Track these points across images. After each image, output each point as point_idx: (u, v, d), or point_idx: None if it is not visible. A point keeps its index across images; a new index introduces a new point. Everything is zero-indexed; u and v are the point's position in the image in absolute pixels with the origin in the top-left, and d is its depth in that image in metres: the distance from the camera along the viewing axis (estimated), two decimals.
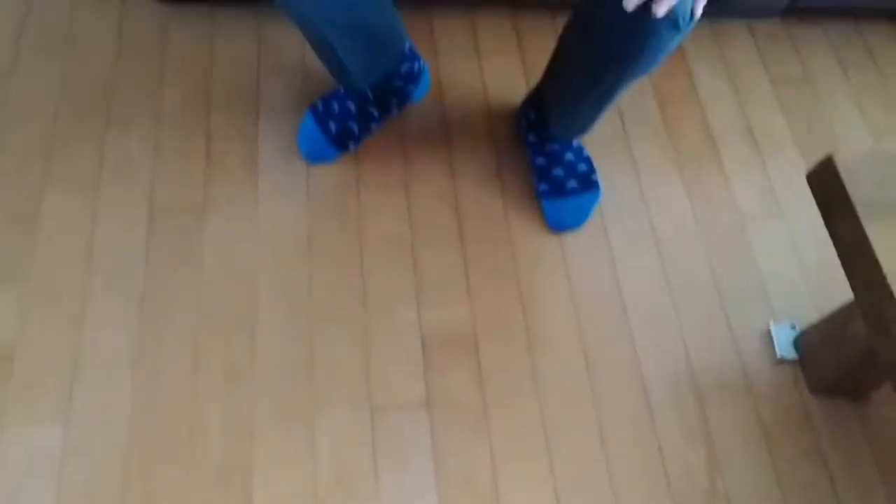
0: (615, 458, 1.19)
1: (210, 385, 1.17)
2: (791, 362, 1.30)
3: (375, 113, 1.40)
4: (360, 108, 1.38)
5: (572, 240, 1.37)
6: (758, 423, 1.24)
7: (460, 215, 1.37)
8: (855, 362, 1.18)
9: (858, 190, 0.92)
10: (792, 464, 1.22)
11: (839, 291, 1.35)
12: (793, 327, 1.31)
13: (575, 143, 1.40)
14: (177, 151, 1.37)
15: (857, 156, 0.95)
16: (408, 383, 1.21)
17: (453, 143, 1.44)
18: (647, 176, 1.46)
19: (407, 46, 1.36)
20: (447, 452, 1.17)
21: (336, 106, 1.39)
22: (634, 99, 1.54)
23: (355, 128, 1.38)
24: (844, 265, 0.94)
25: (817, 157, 1.52)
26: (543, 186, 1.38)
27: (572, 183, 1.38)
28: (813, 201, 0.99)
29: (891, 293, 0.86)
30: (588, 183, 1.39)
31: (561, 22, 1.25)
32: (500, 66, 1.54)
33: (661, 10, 0.91)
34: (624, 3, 0.91)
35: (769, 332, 1.32)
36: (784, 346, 1.30)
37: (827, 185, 0.95)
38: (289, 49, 1.50)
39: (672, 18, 0.94)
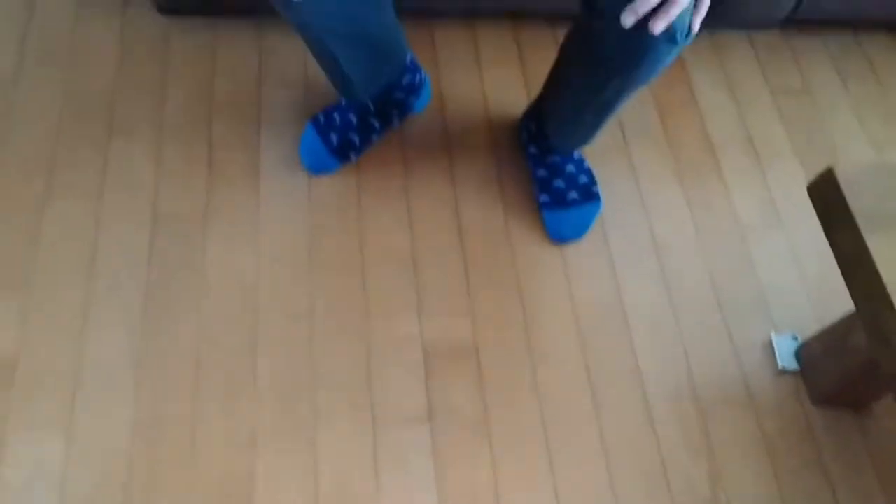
0: (617, 470, 1.19)
1: (212, 397, 1.17)
2: (793, 373, 1.30)
3: (377, 124, 1.40)
4: (361, 120, 1.39)
5: (573, 251, 1.37)
6: (759, 435, 1.24)
7: (461, 226, 1.37)
8: (856, 373, 1.18)
9: (859, 201, 0.92)
10: (794, 475, 1.22)
11: (840, 302, 1.34)
12: (794, 338, 1.31)
13: (576, 154, 1.41)
14: (179, 161, 1.37)
15: (858, 167, 0.95)
16: (409, 395, 1.21)
17: (454, 155, 1.45)
18: (648, 186, 1.46)
19: (409, 58, 1.37)
20: (449, 464, 1.17)
21: (337, 117, 1.39)
22: (635, 109, 1.55)
23: (356, 139, 1.39)
24: (845, 276, 0.94)
25: (817, 167, 1.53)
26: (544, 197, 1.38)
27: (573, 194, 1.38)
28: (813, 212, 0.99)
29: (891, 304, 0.86)
30: (589, 194, 1.39)
31: (561, 34, 1.26)
32: (500, 78, 1.55)
33: (658, 28, 0.91)
34: (622, 19, 0.92)
35: (770, 343, 1.32)
36: (785, 357, 1.30)
37: (827, 196, 0.95)
38: (290, 61, 1.50)
39: (670, 33, 0.95)
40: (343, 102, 1.40)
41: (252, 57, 1.50)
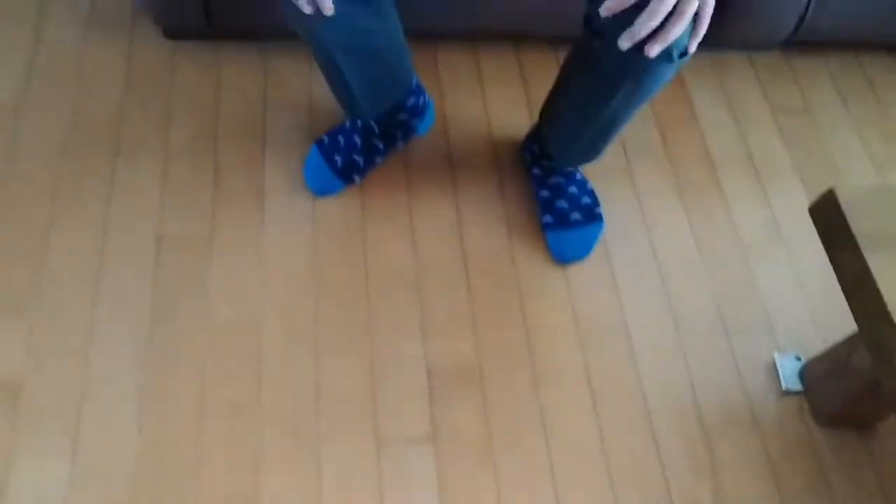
0: (621, 490, 1.19)
1: (216, 417, 1.18)
2: (796, 394, 1.30)
3: (381, 146, 1.41)
4: (365, 142, 1.40)
5: (577, 271, 1.38)
6: (763, 455, 1.24)
7: (465, 247, 1.38)
8: (860, 393, 1.18)
9: (860, 222, 0.93)
10: (798, 496, 1.21)
11: (844, 321, 1.34)
12: (798, 358, 1.31)
13: (578, 175, 1.42)
14: (184, 183, 1.38)
15: (859, 189, 0.96)
16: (413, 416, 1.21)
17: (458, 176, 1.46)
18: (650, 206, 1.47)
19: (414, 81, 1.38)
20: (452, 485, 1.16)
21: (342, 139, 1.40)
22: (636, 129, 1.55)
23: (360, 161, 1.40)
24: (847, 297, 0.94)
25: (818, 186, 1.53)
26: (548, 218, 1.39)
27: (576, 215, 1.39)
28: (815, 231, 0.99)
29: (894, 325, 0.86)
30: (592, 216, 1.40)
31: (563, 56, 1.27)
32: (503, 100, 1.56)
33: (653, 52, 0.92)
34: (619, 43, 0.93)
35: (774, 363, 1.32)
36: (789, 377, 1.30)
37: (829, 217, 0.96)
38: (295, 83, 1.52)
39: (667, 52, 0.96)
40: (347, 124, 1.41)
41: (257, 80, 1.51)
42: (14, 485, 1.10)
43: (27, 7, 1.55)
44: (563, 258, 1.38)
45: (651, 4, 0.88)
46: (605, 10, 0.92)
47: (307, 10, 0.98)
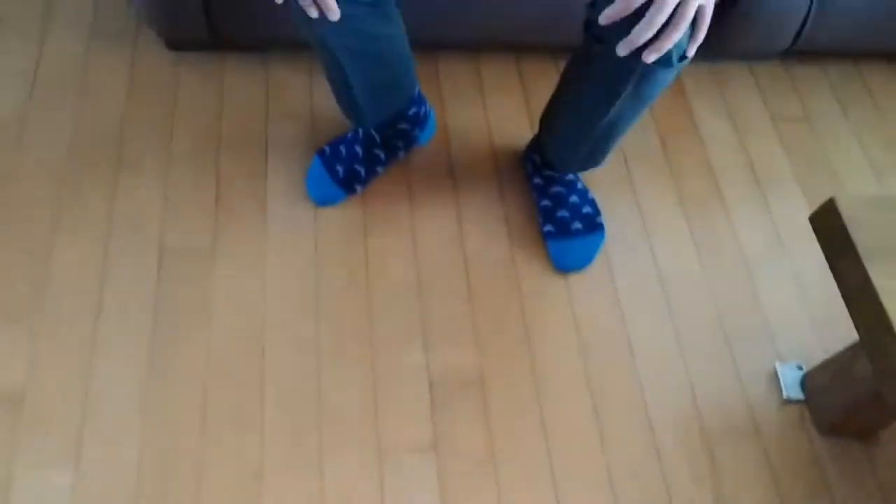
0: (622, 498, 1.19)
1: (218, 429, 1.18)
2: (798, 403, 1.30)
3: (382, 156, 1.42)
4: (366, 152, 1.40)
5: (578, 280, 1.38)
6: (766, 464, 1.24)
7: (467, 256, 1.38)
8: (862, 402, 1.18)
9: (861, 232, 0.93)
10: None
11: (845, 330, 1.35)
12: (799, 367, 1.31)
13: (579, 185, 1.42)
14: (187, 193, 1.38)
15: (859, 198, 0.96)
16: (416, 427, 1.21)
17: (459, 185, 1.46)
18: (651, 215, 1.47)
19: (417, 90, 1.38)
20: (455, 496, 1.16)
21: (343, 150, 1.41)
22: (636, 137, 1.56)
23: (362, 170, 1.40)
24: (849, 306, 0.94)
25: (819, 194, 1.54)
26: (549, 227, 1.39)
27: (577, 224, 1.39)
28: (816, 239, 1.00)
29: (895, 334, 0.86)
30: (593, 225, 1.40)
31: (563, 65, 1.27)
32: (504, 110, 1.56)
33: (650, 59, 0.93)
34: (616, 49, 0.94)
35: (775, 372, 1.32)
36: (791, 386, 1.30)
37: (829, 227, 0.96)
38: (296, 94, 1.52)
39: (665, 57, 0.96)
40: (349, 135, 1.42)
41: (259, 91, 1.52)
42: (16, 496, 1.10)
43: (31, 18, 1.56)
44: (564, 267, 1.38)
45: (648, 13, 0.89)
46: (604, 19, 0.93)
47: (313, 13, 0.98)
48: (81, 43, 1.54)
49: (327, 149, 1.42)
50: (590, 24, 1.06)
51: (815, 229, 0.99)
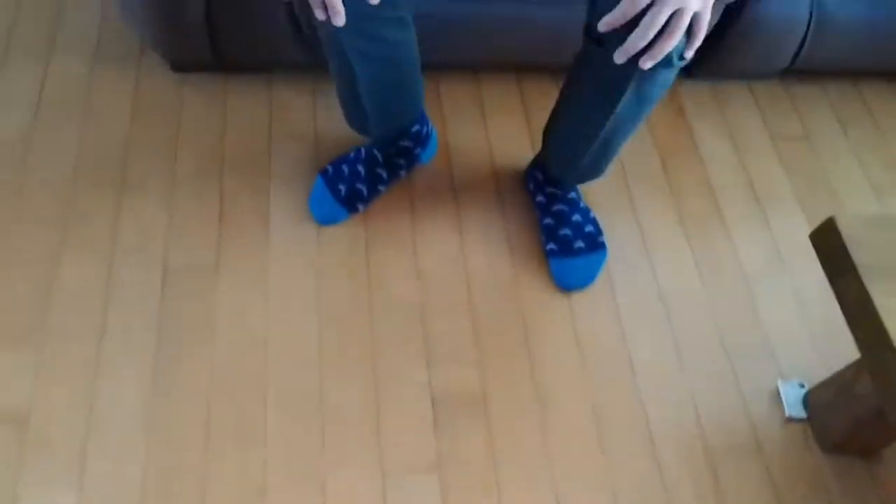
0: None
1: (222, 447, 1.18)
2: (800, 420, 1.30)
3: (384, 175, 1.43)
4: (368, 171, 1.41)
5: (579, 298, 1.38)
6: (768, 483, 1.24)
7: (469, 274, 1.39)
8: (864, 420, 1.18)
9: (861, 251, 0.94)
10: None
11: (847, 347, 1.35)
12: (801, 385, 1.32)
13: (582, 204, 1.43)
14: (190, 213, 1.39)
15: (859, 217, 0.97)
16: (418, 444, 1.21)
17: (461, 204, 1.47)
18: (652, 234, 1.47)
19: (422, 107, 1.39)
20: None
21: (346, 169, 1.42)
22: (636, 157, 1.57)
23: (364, 189, 1.41)
24: (850, 325, 0.95)
25: (819, 213, 1.54)
26: (551, 245, 1.40)
27: (579, 243, 1.40)
28: (816, 257, 1.00)
29: None
30: (595, 244, 1.41)
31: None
32: (505, 129, 1.57)
33: (647, 65, 0.95)
34: (614, 57, 0.95)
35: (777, 390, 1.32)
36: (793, 404, 1.30)
37: (829, 245, 0.97)
38: (299, 115, 1.54)
39: (666, 57, 0.97)
40: (351, 154, 1.43)
41: (262, 111, 1.53)
42: None
43: (36, 40, 1.58)
44: (566, 286, 1.39)
45: (643, 22, 0.90)
46: (603, 26, 0.94)
47: (320, 16, 0.99)
48: (86, 65, 1.55)
49: (330, 168, 1.43)
50: (590, 27, 1.06)
51: (815, 248, 1.00)
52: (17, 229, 1.34)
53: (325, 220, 1.41)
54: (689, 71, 1.68)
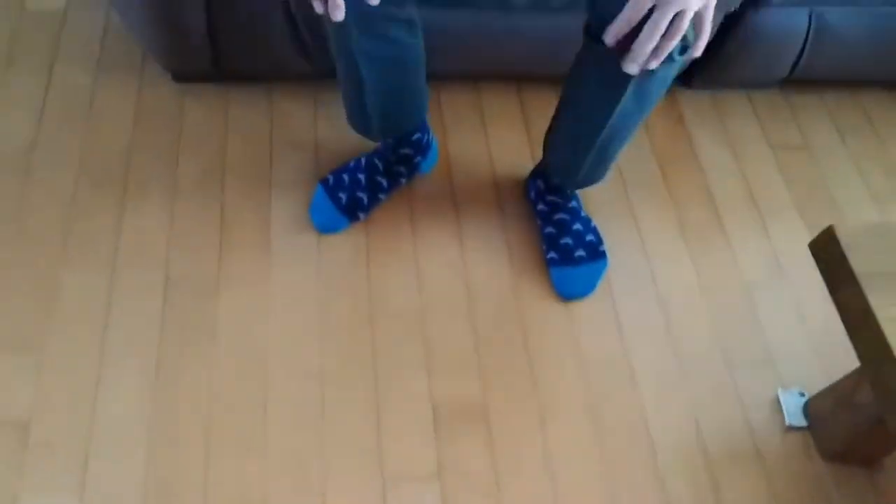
0: None
1: (223, 457, 1.18)
2: (801, 429, 1.30)
3: (384, 183, 1.43)
4: (368, 179, 1.42)
5: (580, 307, 1.39)
6: (769, 492, 1.24)
7: (469, 283, 1.39)
8: (865, 429, 1.18)
9: (860, 260, 0.94)
10: None
11: (847, 356, 1.34)
12: (801, 394, 1.32)
13: (583, 213, 1.44)
14: (192, 223, 1.40)
15: (859, 226, 0.97)
16: (419, 454, 1.21)
17: (461, 213, 1.47)
18: (652, 243, 1.48)
19: (426, 115, 1.39)
20: None
21: (346, 177, 1.42)
22: (636, 166, 1.57)
23: (365, 198, 1.41)
24: (850, 334, 0.95)
25: (819, 221, 1.54)
26: (552, 255, 1.40)
27: (580, 252, 1.40)
28: (816, 266, 1.00)
29: None
30: (596, 253, 1.41)
31: None
32: (505, 138, 1.58)
33: (652, 65, 0.94)
34: (624, 67, 0.94)
35: (778, 399, 1.32)
36: (793, 413, 1.30)
37: (829, 254, 0.97)
38: (300, 124, 1.54)
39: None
40: (352, 163, 1.44)
41: (263, 121, 1.54)
42: None
43: (40, 50, 1.58)
44: (567, 295, 1.39)
45: (647, 26, 0.90)
46: (610, 37, 0.94)
47: (319, 9, 0.98)
48: (89, 74, 1.56)
49: (330, 177, 1.44)
50: (589, 27, 1.07)
51: (814, 256, 1.00)
52: (20, 236, 1.35)
53: (325, 228, 1.41)
54: (688, 81, 1.69)
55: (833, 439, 1.25)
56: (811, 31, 1.53)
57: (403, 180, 1.46)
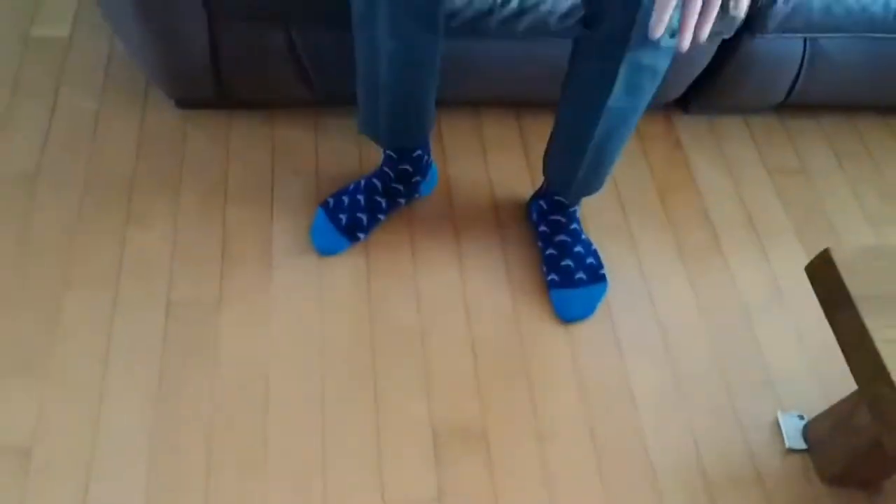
0: None
1: (224, 478, 1.18)
2: (801, 452, 1.30)
3: (383, 203, 1.44)
4: (368, 199, 1.43)
5: (579, 330, 1.39)
6: None
7: (468, 305, 1.40)
8: (863, 452, 1.18)
9: (857, 283, 0.94)
10: None
11: (846, 379, 1.34)
12: (800, 417, 1.32)
13: (584, 236, 1.45)
14: (194, 246, 1.41)
15: (855, 249, 0.98)
16: (419, 476, 1.21)
17: (461, 236, 1.48)
18: (651, 267, 1.49)
19: (430, 131, 1.40)
20: None
21: (346, 199, 1.44)
22: (635, 189, 1.59)
23: (364, 218, 1.43)
24: (846, 356, 0.96)
25: (816, 244, 1.55)
26: (553, 276, 1.41)
27: (581, 274, 1.41)
28: None
29: (893, 385, 0.87)
30: (596, 276, 1.42)
31: None
32: (505, 164, 1.59)
33: (683, 47, 0.93)
34: (679, 45, 0.93)
35: (777, 421, 1.32)
36: (792, 436, 1.30)
37: (825, 277, 0.98)
38: (301, 149, 1.56)
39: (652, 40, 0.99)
40: (351, 186, 1.45)
41: (265, 147, 1.55)
42: None
43: (45, 76, 1.60)
44: (566, 317, 1.40)
45: (685, 9, 0.91)
46: (652, 32, 0.94)
47: None
48: (93, 100, 1.58)
49: (330, 200, 1.45)
50: (584, 17, 1.13)
51: (811, 279, 1.01)
52: (23, 261, 1.35)
53: (326, 250, 1.42)
54: (685, 106, 1.70)
55: (832, 462, 1.25)
56: (806, 57, 1.55)
57: (402, 200, 1.47)
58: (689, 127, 1.71)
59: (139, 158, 1.51)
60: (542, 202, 1.44)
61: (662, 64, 1.10)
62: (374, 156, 1.52)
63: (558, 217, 1.43)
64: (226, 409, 1.24)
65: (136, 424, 1.21)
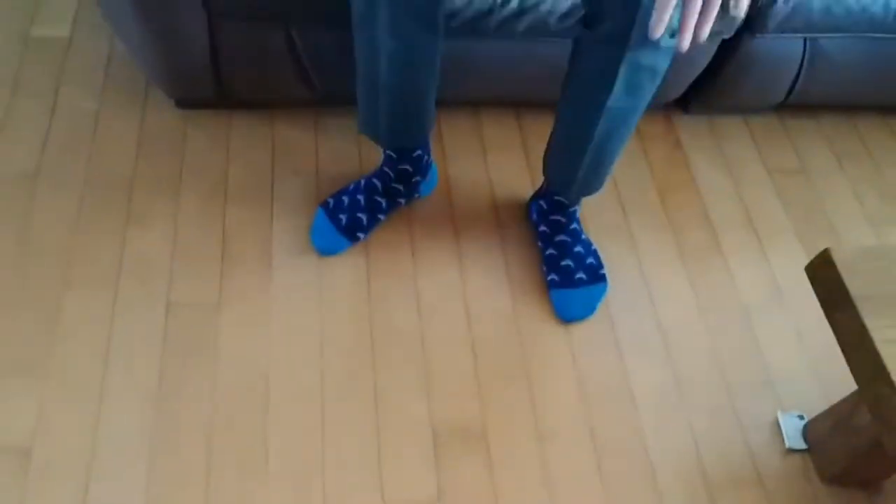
0: None
1: (224, 478, 1.18)
2: (801, 452, 1.30)
3: (383, 203, 1.44)
4: (368, 199, 1.43)
5: (579, 330, 1.39)
6: None
7: (468, 306, 1.40)
8: (864, 451, 1.18)
9: (856, 283, 0.94)
10: None
11: (846, 379, 1.34)
12: (800, 417, 1.32)
13: (584, 236, 1.45)
14: (194, 247, 1.41)
15: (855, 249, 0.98)
16: (419, 477, 1.21)
17: (461, 236, 1.48)
18: (651, 267, 1.49)
19: (431, 132, 1.40)
20: None
21: (346, 199, 1.44)
22: (635, 189, 1.59)
23: (364, 218, 1.43)
24: (847, 357, 0.95)
25: (817, 245, 1.55)
26: (553, 276, 1.41)
27: (581, 274, 1.41)
28: None
29: (893, 385, 0.87)
30: (596, 276, 1.42)
31: None
32: (505, 164, 1.59)
33: (683, 47, 0.93)
34: (679, 45, 0.93)
35: (777, 421, 1.32)
36: (793, 436, 1.30)
37: (825, 278, 0.97)
38: (301, 150, 1.56)
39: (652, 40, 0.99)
40: (351, 186, 1.45)
41: (265, 147, 1.55)
42: None
43: (45, 77, 1.60)
44: (566, 317, 1.40)
45: (684, 9, 0.91)
46: (652, 32, 0.95)
47: None
48: (93, 101, 1.58)
49: (330, 201, 1.45)
50: (584, 16, 1.13)
51: (810, 279, 1.00)
52: (23, 261, 1.35)
53: (326, 250, 1.42)
54: (686, 106, 1.71)
55: (832, 462, 1.25)
56: (806, 58, 1.55)
57: (402, 200, 1.47)
58: (689, 127, 1.71)
59: (139, 158, 1.51)
60: (542, 202, 1.45)
61: (662, 64, 1.10)
62: (374, 156, 1.53)
63: (558, 217, 1.43)
64: (226, 409, 1.24)
65: (135, 424, 1.21)
